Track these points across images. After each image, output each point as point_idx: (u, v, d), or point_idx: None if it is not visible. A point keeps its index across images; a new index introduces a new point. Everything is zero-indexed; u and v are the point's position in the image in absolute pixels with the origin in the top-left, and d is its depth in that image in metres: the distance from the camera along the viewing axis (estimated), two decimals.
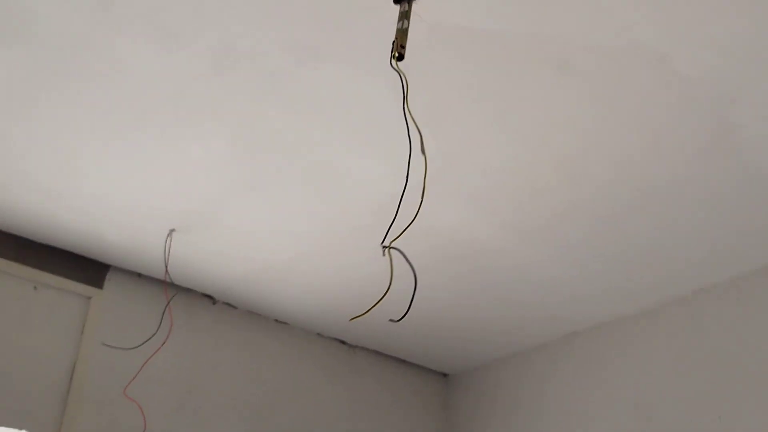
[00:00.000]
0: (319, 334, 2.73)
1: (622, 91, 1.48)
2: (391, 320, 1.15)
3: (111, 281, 2.23)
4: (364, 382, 2.77)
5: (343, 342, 2.79)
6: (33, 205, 1.95)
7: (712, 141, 1.60)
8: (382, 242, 1.10)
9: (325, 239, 2.10)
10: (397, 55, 1.18)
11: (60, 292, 2.11)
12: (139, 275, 2.31)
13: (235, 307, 2.51)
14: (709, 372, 2.23)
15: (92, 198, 1.91)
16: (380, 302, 1.06)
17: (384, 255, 1.09)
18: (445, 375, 3.15)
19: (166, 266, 2.10)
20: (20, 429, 1.90)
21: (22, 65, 1.47)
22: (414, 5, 1.24)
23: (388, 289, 1.06)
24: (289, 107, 1.58)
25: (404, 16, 1.21)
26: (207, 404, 2.29)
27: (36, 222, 2.02)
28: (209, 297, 2.45)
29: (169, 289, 2.29)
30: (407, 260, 1.06)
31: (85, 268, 2.20)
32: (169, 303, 2.21)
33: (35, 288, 2.07)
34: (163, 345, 2.13)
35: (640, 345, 2.46)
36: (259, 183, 1.86)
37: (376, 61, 1.37)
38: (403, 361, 2.97)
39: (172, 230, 2.06)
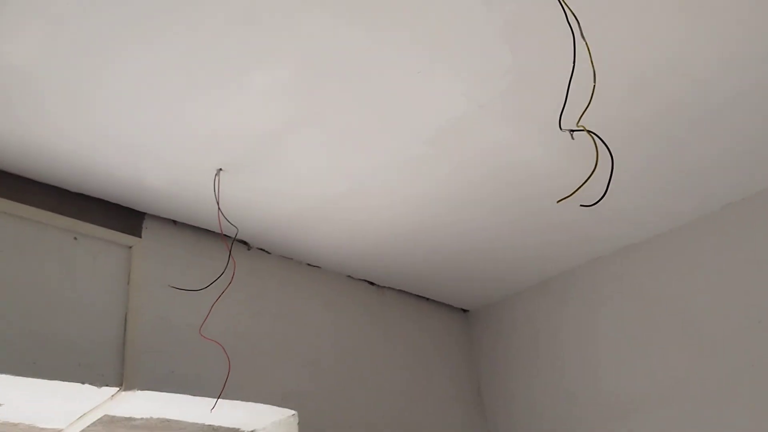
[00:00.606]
0: (349, 276, 2.70)
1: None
2: (582, 205, 1.14)
3: (148, 230, 2.13)
4: (392, 320, 2.78)
5: (371, 283, 2.78)
6: (72, 154, 1.83)
7: None
8: (559, 123, 1.08)
9: (381, 173, 2.06)
10: None
11: (100, 242, 2.00)
12: (175, 222, 2.21)
13: (269, 253, 2.45)
14: (748, 278, 2.33)
15: (134, 139, 1.80)
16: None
17: (572, 138, 1.06)
18: (465, 311, 3.20)
19: (219, 206, 2.02)
20: (82, 382, 1.81)
21: None
22: None
23: (593, 172, 1.05)
24: (366, 22, 1.52)
25: None
26: (261, 348, 2.26)
27: (75, 170, 1.90)
28: (245, 243, 2.38)
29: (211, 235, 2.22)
30: (602, 141, 1.05)
31: (124, 216, 2.09)
32: (231, 246, 2.16)
33: (75, 238, 1.96)
34: (229, 285, 2.08)
35: (674, 261, 2.54)
36: (319, 115, 1.80)
37: None
38: (427, 299, 3.00)
39: (220, 170, 1.97)
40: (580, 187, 1.06)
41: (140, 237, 2.10)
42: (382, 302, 2.78)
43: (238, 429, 2.35)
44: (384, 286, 2.83)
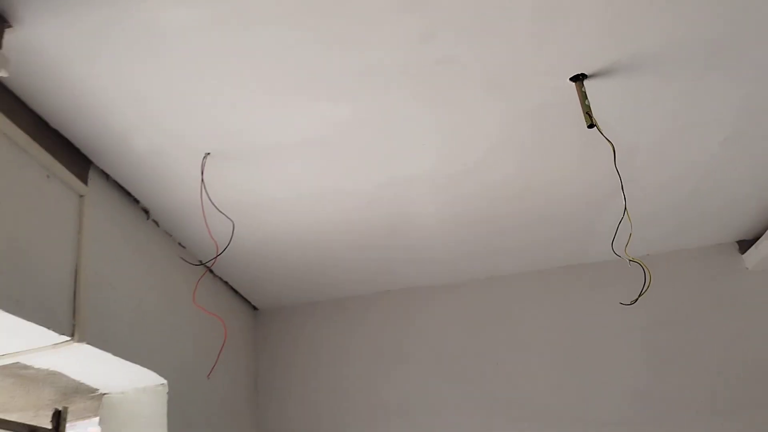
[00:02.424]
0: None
1: None
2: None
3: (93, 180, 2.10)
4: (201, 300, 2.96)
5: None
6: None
7: None
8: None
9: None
10: None
11: (63, 186, 1.93)
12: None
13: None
14: (485, 329, 3.34)
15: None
16: None
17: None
18: (255, 309, 3.58)
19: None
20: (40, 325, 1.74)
21: None
22: None
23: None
24: None
25: None
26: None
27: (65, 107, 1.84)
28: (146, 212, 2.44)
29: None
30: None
31: (82, 164, 2.03)
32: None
33: (48, 177, 1.86)
34: None
35: (433, 307, 3.43)
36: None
37: None
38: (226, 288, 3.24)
39: (208, 153, 2.12)
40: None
41: (86, 185, 2.06)
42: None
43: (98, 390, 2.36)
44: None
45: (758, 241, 3.18)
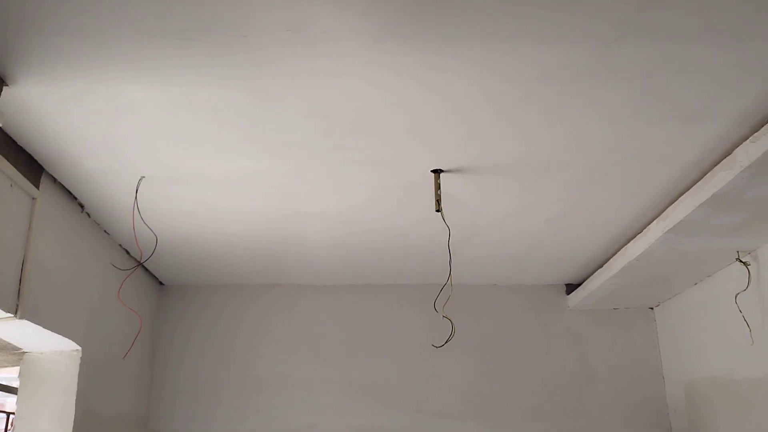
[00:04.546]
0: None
1: None
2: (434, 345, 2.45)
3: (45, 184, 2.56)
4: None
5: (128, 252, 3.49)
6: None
7: None
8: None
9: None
10: None
11: (21, 191, 2.39)
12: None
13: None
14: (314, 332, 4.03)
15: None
16: None
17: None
18: (162, 284, 4.09)
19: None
20: None
21: None
22: None
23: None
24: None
25: None
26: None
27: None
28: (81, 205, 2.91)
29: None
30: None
31: (33, 173, 2.49)
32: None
33: (11, 186, 2.32)
34: None
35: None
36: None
37: None
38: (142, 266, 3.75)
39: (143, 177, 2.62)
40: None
41: (38, 190, 2.53)
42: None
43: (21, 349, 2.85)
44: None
45: (580, 287, 3.99)
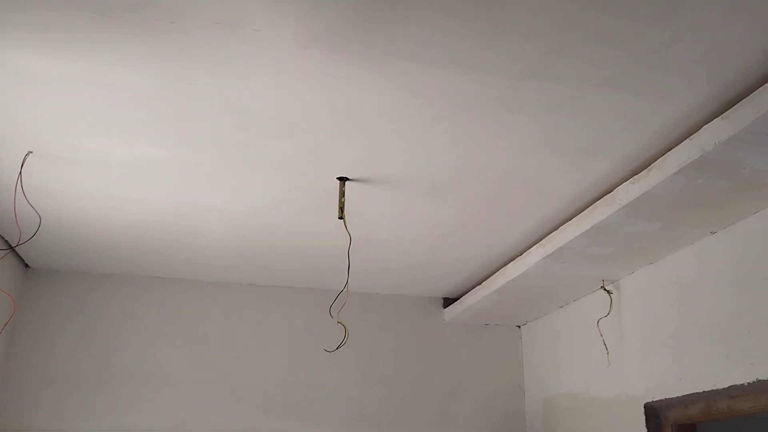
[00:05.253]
0: None
1: None
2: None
3: None
4: None
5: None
6: None
7: None
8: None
9: None
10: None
11: None
12: None
13: None
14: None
15: None
16: None
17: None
18: (27, 266, 3.82)
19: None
20: None
21: None
22: None
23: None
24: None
25: None
26: None
27: None
28: None
29: None
30: None
31: None
32: None
33: None
34: None
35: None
36: None
37: None
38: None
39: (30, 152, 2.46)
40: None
41: None
42: None
43: None
44: None
45: (457, 301, 4.18)
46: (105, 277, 3.90)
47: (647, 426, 2.99)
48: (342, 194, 2.57)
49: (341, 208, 2.57)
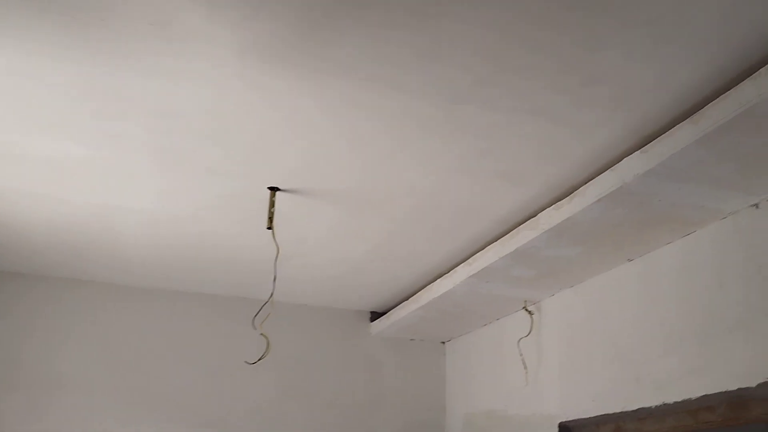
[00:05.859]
0: None
1: None
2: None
3: None
4: None
5: None
6: None
7: None
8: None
9: None
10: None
11: None
12: None
13: None
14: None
15: None
16: None
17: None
18: None
19: None
20: None
21: None
22: None
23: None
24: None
25: None
26: None
27: None
28: None
29: None
30: None
31: None
32: None
33: None
34: None
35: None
36: None
37: None
38: None
39: None
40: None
41: None
42: None
43: None
44: None
45: (384, 315, 4.20)
46: (13, 276, 3.71)
47: None
48: (272, 204, 2.55)
49: (270, 218, 2.54)
